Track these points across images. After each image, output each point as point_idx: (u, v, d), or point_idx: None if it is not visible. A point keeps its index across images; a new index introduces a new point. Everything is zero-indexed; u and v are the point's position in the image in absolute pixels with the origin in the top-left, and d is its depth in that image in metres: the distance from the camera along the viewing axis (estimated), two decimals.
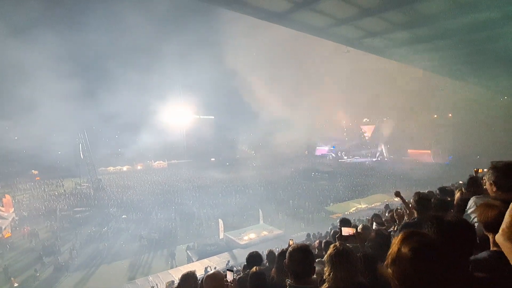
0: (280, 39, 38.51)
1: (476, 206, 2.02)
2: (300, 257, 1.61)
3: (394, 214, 3.61)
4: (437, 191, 4.42)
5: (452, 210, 2.81)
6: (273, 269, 2.33)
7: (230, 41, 45.74)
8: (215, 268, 14.70)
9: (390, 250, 1.02)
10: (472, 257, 1.22)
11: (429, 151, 45.97)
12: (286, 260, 1.65)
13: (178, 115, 55.16)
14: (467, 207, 2.21)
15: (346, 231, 2.07)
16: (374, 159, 52.58)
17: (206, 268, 14.86)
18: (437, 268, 0.89)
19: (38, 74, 40.43)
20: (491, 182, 1.83)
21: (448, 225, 1.21)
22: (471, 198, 2.22)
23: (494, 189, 1.80)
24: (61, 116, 46.35)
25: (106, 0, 40.67)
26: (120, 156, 45.22)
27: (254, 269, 2.30)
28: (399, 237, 1.02)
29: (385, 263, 1.02)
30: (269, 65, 48.26)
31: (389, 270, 0.99)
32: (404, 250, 0.96)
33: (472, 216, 1.95)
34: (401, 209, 5.22)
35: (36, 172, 36.92)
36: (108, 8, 40.83)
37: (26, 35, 40.88)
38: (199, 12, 46.52)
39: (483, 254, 1.22)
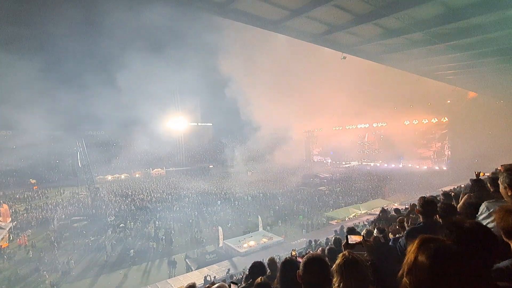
0: (278, 46, 38.90)
1: (489, 211, 1.96)
2: (317, 268, 1.53)
3: (404, 222, 3.54)
4: (441, 196, 4.37)
5: (457, 215, 2.76)
6: (276, 279, 2.24)
7: (229, 48, 46.11)
8: (214, 277, 14.46)
9: (406, 258, 0.95)
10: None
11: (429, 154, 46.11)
12: (300, 271, 1.56)
13: (176, 122, 55.24)
14: (479, 213, 2.13)
15: (353, 239, 2.00)
16: (372, 163, 52.59)
17: (205, 277, 14.61)
18: (458, 277, 0.83)
19: (36, 82, 40.47)
20: (506, 185, 1.74)
21: (469, 232, 1.15)
22: (483, 203, 2.14)
23: (510, 192, 1.72)
24: (59, 124, 46.33)
25: (105, 8, 41.01)
26: (118, 164, 44.92)
27: (259, 279, 2.22)
28: (415, 244, 0.95)
29: (400, 272, 0.96)
30: (267, 70, 48.54)
31: (405, 280, 0.92)
32: (422, 258, 0.89)
33: (485, 222, 1.89)
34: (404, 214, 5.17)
35: (34, 181, 36.52)
36: (107, 15, 41.19)
37: (22, 41, 41.04)
38: (198, 20, 47.02)
39: (505, 263, 1.16)
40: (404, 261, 0.96)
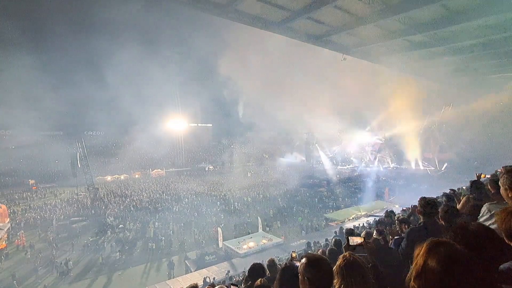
0: (278, 48, 38.92)
1: (491, 213, 1.95)
2: (322, 268, 1.49)
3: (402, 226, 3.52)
4: (443, 198, 4.36)
5: (459, 217, 2.74)
6: (275, 283, 2.20)
7: (229, 49, 46.18)
8: (213, 278, 14.41)
9: (414, 262, 0.93)
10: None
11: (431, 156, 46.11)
12: (303, 271, 1.52)
13: (176, 123, 55.25)
14: (480, 215, 2.12)
15: (354, 240, 1.98)
16: (372, 165, 52.57)
17: (205, 279, 14.56)
18: (469, 281, 0.81)
19: (35, 82, 40.48)
20: (507, 187, 1.72)
21: (474, 234, 1.14)
22: (484, 205, 2.13)
23: (511, 194, 1.70)
24: (58, 124, 46.31)
25: (104, 8, 41.02)
26: (118, 165, 44.88)
27: (258, 281, 2.20)
28: (424, 248, 0.93)
29: (408, 276, 0.94)
30: (266, 72, 48.58)
31: (412, 284, 0.90)
32: (431, 262, 0.87)
33: (487, 224, 1.87)
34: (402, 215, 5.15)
35: (32, 181, 36.45)
36: (106, 14, 41.21)
37: (21, 40, 41.05)
38: (198, 21, 47.12)
39: (507, 265, 1.14)
40: (413, 265, 0.94)
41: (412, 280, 0.92)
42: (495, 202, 2.11)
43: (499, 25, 12.79)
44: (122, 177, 43.56)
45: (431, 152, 46.62)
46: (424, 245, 0.94)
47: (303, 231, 23.09)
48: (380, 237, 3.29)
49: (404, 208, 10.89)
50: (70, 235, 22.58)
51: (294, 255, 3.92)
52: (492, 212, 1.93)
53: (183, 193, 34.28)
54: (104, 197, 31.71)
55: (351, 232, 4.51)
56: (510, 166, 1.78)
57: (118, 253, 19.35)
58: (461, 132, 41.04)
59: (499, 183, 1.82)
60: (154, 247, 20.66)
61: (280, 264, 3.80)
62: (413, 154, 47.41)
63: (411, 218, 4.58)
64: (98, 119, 44.76)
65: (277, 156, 55.34)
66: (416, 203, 3.25)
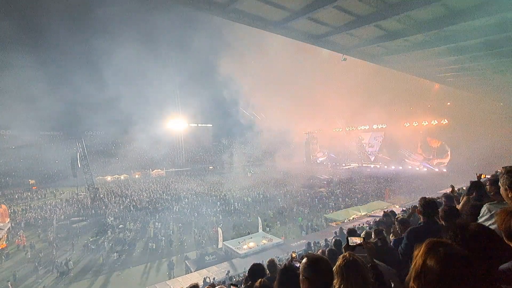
0: (278, 48, 38.94)
1: (491, 213, 1.94)
2: (322, 268, 1.48)
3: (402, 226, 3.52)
4: (443, 198, 4.35)
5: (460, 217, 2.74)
6: (275, 283, 2.20)
7: (229, 49, 46.20)
8: (213, 279, 14.41)
9: (414, 262, 0.93)
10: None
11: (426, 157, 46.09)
12: (303, 271, 1.52)
13: (176, 123, 55.30)
14: (480, 215, 2.12)
15: (353, 240, 1.98)
16: (372, 166, 52.59)
17: (205, 279, 14.55)
18: (468, 282, 0.81)
19: (34, 82, 40.48)
20: (506, 187, 1.73)
21: (474, 234, 1.13)
22: (484, 205, 2.12)
23: (510, 194, 1.70)
24: (58, 124, 46.33)
25: (104, 8, 41.03)
26: (118, 165, 44.89)
27: (258, 282, 2.19)
28: (423, 248, 0.92)
29: (407, 277, 0.94)
30: (266, 72, 48.57)
31: (412, 285, 0.90)
32: (431, 262, 0.87)
33: (486, 224, 1.87)
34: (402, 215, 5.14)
35: (32, 181, 36.48)
36: (106, 14, 41.23)
37: (21, 40, 41.07)
38: (198, 21, 47.12)
39: (506, 265, 1.14)
40: (412, 266, 0.94)
41: (411, 280, 0.92)
42: (495, 202, 2.11)
43: (500, 25, 12.76)
44: (122, 177, 43.59)
45: (431, 153, 46.63)
46: (423, 245, 0.94)
47: (303, 232, 23.06)
48: (380, 238, 3.29)
49: (404, 208, 10.88)
50: (70, 235, 22.59)
51: (294, 255, 3.90)
52: (492, 212, 1.93)
53: (183, 193, 34.29)
54: (104, 197, 31.73)
55: (352, 232, 4.49)
56: (510, 166, 1.78)
57: (116, 253, 19.34)
58: (461, 132, 40.97)
59: (499, 183, 1.82)
60: (154, 247, 20.67)
61: (280, 265, 3.80)
62: (414, 154, 47.47)
63: (411, 218, 4.57)
64: (98, 119, 44.70)
65: (277, 156, 55.29)
66: (416, 203, 3.25)
